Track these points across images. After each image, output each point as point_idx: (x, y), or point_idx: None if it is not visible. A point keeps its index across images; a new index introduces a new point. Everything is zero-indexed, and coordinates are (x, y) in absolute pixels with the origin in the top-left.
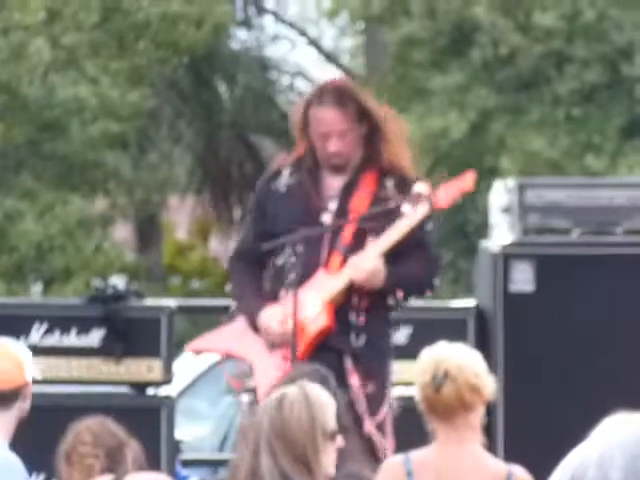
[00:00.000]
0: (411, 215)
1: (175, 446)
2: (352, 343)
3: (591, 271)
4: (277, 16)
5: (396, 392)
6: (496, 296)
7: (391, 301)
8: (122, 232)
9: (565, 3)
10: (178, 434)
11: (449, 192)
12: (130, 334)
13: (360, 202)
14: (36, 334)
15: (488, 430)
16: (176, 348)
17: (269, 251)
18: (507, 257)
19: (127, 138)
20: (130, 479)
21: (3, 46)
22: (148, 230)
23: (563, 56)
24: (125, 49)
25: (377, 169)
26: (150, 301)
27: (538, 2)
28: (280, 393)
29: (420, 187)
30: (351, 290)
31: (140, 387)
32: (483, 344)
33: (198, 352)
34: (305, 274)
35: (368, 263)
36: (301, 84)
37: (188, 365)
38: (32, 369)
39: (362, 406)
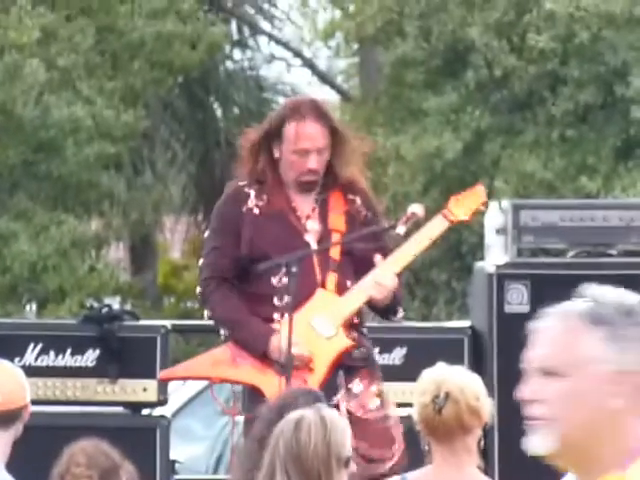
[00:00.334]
0: (430, 231)
1: (170, 466)
2: (353, 355)
3: None
4: (272, 37)
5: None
6: (491, 317)
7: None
8: (116, 252)
9: (559, 24)
10: (173, 454)
11: (465, 205)
12: (125, 354)
13: (337, 221)
14: (31, 354)
15: (484, 452)
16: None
17: (246, 274)
18: (502, 278)
19: (121, 159)
20: None
21: None
22: (142, 250)
23: (557, 77)
24: (120, 69)
25: (339, 187)
26: (145, 321)
27: (532, 23)
28: (297, 416)
29: (414, 207)
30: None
31: (135, 407)
32: (478, 365)
33: (168, 380)
34: (302, 295)
35: (391, 281)
36: None
37: (183, 385)
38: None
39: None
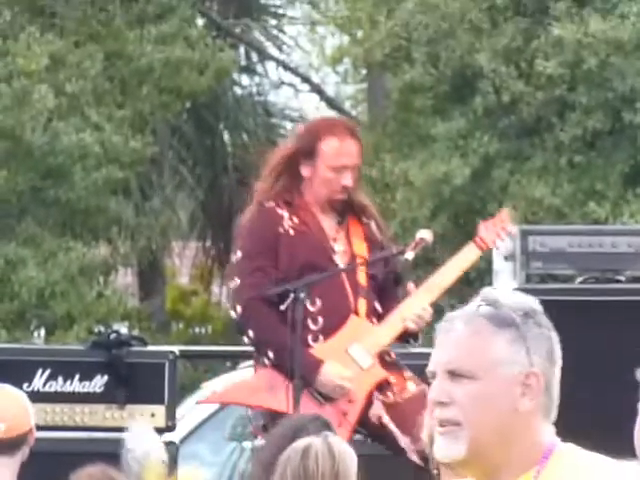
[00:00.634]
0: (462, 261)
1: None
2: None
3: (594, 318)
4: (280, 62)
5: None
6: None
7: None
8: (124, 278)
9: (567, 51)
10: None
11: (493, 231)
12: (133, 380)
13: (360, 245)
14: (39, 380)
15: None
16: (179, 394)
17: (285, 295)
18: None
19: (129, 184)
20: None
21: (6, 92)
22: (150, 276)
23: (565, 103)
24: (128, 95)
25: (354, 209)
26: (153, 347)
27: (540, 50)
28: (305, 444)
29: (423, 233)
30: None
31: None
32: None
33: (223, 404)
34: (335, 321)
35: (429, 315)
36: None
37: (191, 411)
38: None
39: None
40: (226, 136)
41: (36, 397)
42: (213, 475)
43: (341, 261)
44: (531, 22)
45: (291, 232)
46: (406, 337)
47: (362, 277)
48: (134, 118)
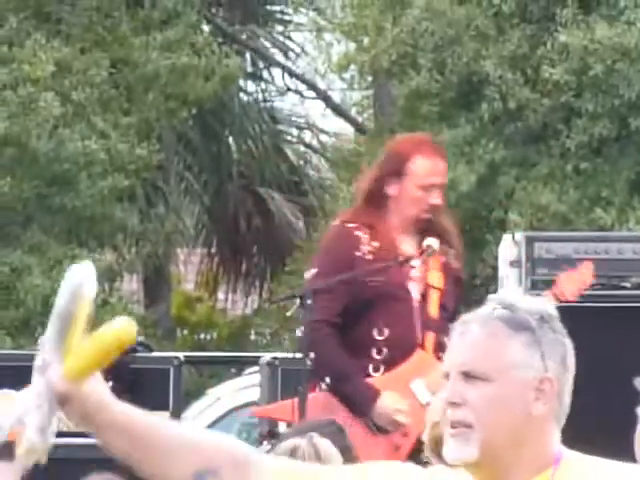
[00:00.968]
0: None
1: None
2: None
3: (600, 324)
4: (286, 69)
5: None
6: None
7: None
8: (130, 285)
9: (573, 57)
10: None
11: (573, 285)
12: (138, 385)
13: (435, 272)
14: None
15: None
16: (184, 400)
17: (349, 319)
18: None
19: (135, 190)
20: None
21: (12, 99)
22: (156, 282)
23: (572, 110)
24: (134, 101)
25: (437, 232)
26: (158, 353)
27: (546, 56)
28: (291, 445)
29: (430, 241)
30: None
31: None
32: None
33: (273, 420)
34: (401, 352)
35: None
36: (309, 137)
37: (197, 416)
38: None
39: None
40: (232, 142)
41: None
42: None
43: (415, 288)
44: (537, 28)
45: (368, 256)
46: None
47: (433, 308)
48: (140, 125)
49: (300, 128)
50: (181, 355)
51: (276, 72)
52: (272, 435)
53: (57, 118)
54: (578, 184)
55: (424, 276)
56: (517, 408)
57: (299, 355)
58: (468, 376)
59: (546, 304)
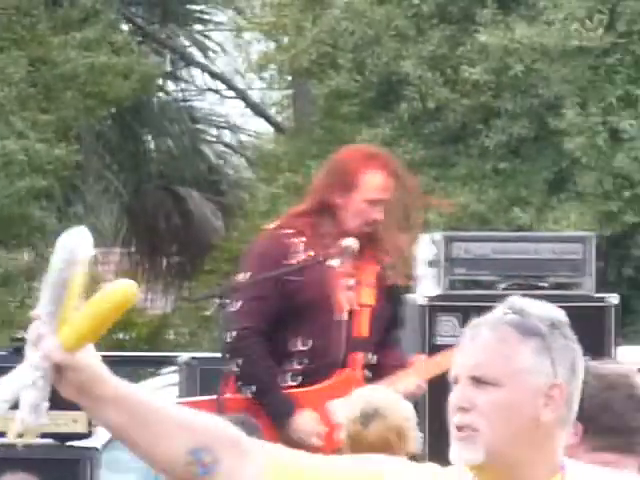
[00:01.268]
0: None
1: None
2: None
3: None
4: (205, 68)
5: None
6: (422, 348)
7: None
8: None
9: (493, 57)
10: None
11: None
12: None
13: (367, 288)
14: None
15: None
16: None
17: (275, 327)
18: (433, 309)
19: (53, 190)
20: None
21: None
22: None
23: (491, 110)
24: (52, 100)
25: (375, 245)
26: None
27: (466, 56)
28: None
29: (348, 241)
30: None
31: (64, 439)
32: None
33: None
34: (321, 366)
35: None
36: (228, 136)
37: None
38: None
39: None
40: (151, 142)
41: None
42: None
43: (345, 302)
44: (457, 29)
45: (298, 264)
46: None
47: (364, 326)
48: (58, 123)
49: (219, 127)
50: (99, 355)
51: (195, 71)
52: None
53: None
54: (497, 184)
55: (357, 291)
56: (526, 414)
57: (218, 355)
58: (478, 381)
59: (557, 310)
